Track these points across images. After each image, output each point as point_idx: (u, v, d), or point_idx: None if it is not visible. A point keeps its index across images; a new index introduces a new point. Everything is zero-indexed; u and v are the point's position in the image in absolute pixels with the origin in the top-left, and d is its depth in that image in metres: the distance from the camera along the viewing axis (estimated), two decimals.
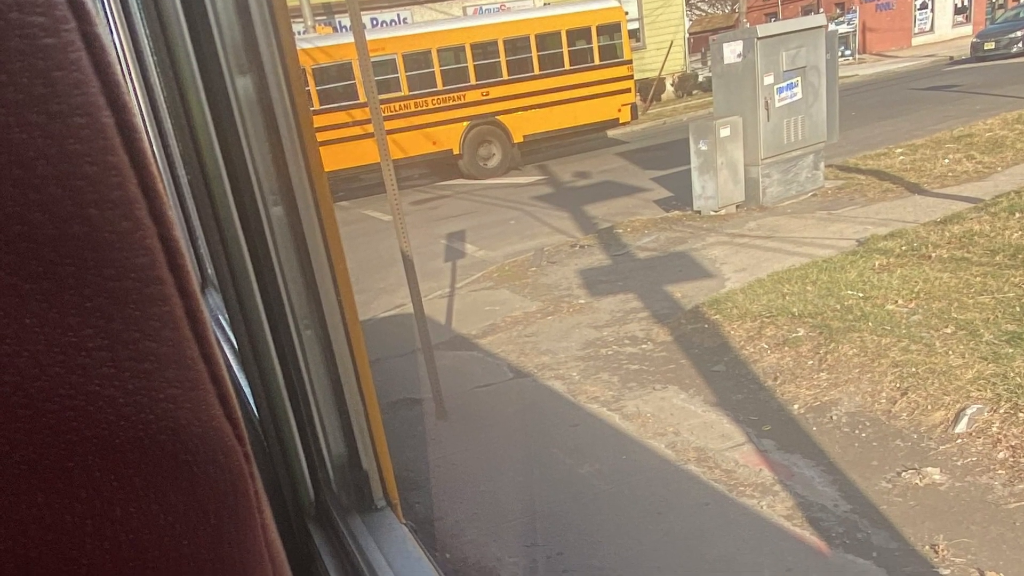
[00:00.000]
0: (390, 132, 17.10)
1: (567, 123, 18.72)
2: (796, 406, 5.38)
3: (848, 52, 34.89)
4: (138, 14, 2.48)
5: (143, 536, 0.45)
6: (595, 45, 18.60)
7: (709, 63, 13.29)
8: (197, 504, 0.47)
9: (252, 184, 1.21)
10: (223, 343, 2.25)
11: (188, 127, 1.23)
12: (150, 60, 2.58)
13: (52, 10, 0.39)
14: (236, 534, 0.50)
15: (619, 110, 19.15)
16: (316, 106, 16.35)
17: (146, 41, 2.48)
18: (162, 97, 2.54)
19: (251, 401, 1.57)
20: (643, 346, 6.91)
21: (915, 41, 38.17)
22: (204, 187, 1.27)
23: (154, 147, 2.92)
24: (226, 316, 1.58)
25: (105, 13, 2.74)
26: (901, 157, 12.04)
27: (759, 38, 10.19)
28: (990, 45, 26.31)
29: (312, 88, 16.35)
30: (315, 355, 1.37)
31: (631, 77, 19.34)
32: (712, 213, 10.85)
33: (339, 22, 23.10)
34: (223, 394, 0.48)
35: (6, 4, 0.38)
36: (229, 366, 1.98)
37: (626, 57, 19.02)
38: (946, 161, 11.33)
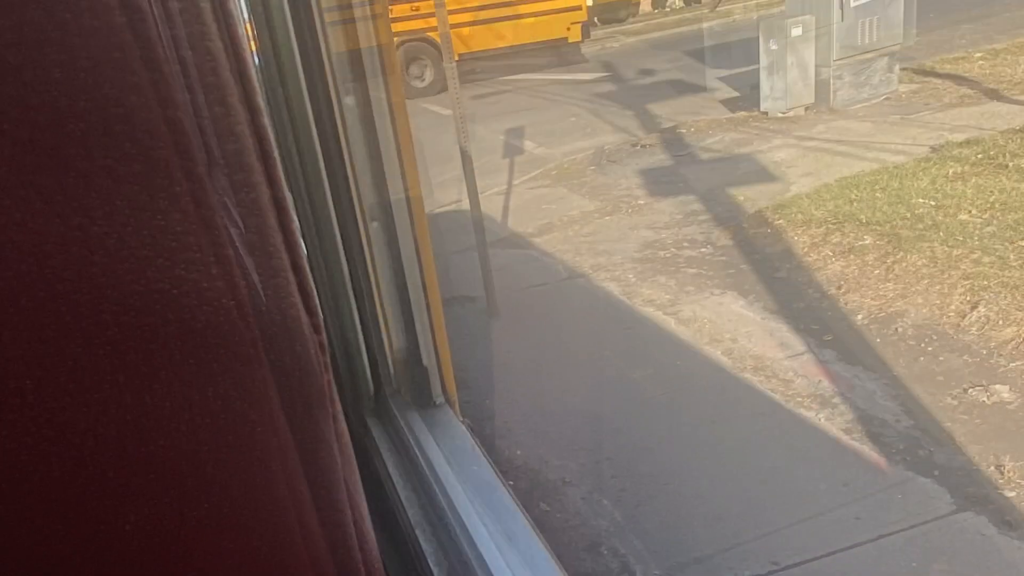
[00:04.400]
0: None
1: (515, 40, 17.62)
2: (860, 316, 5.26)
3: None
4: None
5: (218, 420, 0.46)
6: None
7: None
8: (273, 391, 0.48)
9: (326, 73, 1.18)
10: None
11: (265, 15, 1.19)
12: None
13: None
14: (308, 423, 0.51)
15: (568, 29, 17.83)
16: None
17: None
18: None
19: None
20: (702, 249, 6.79)
21: None
22: (278, 74, 1.23)
23: None
24: (294, 206, 1.54)
25: None
26: (980, 62, 11.47)
27: None
28: None
29: None
30: (381, 249, 1.35)
31: None
32: (780, 115, 10.51)
33: None
34: (303, 283, 0.48)
35: None
36: None
37: None
38: None
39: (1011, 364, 4.48)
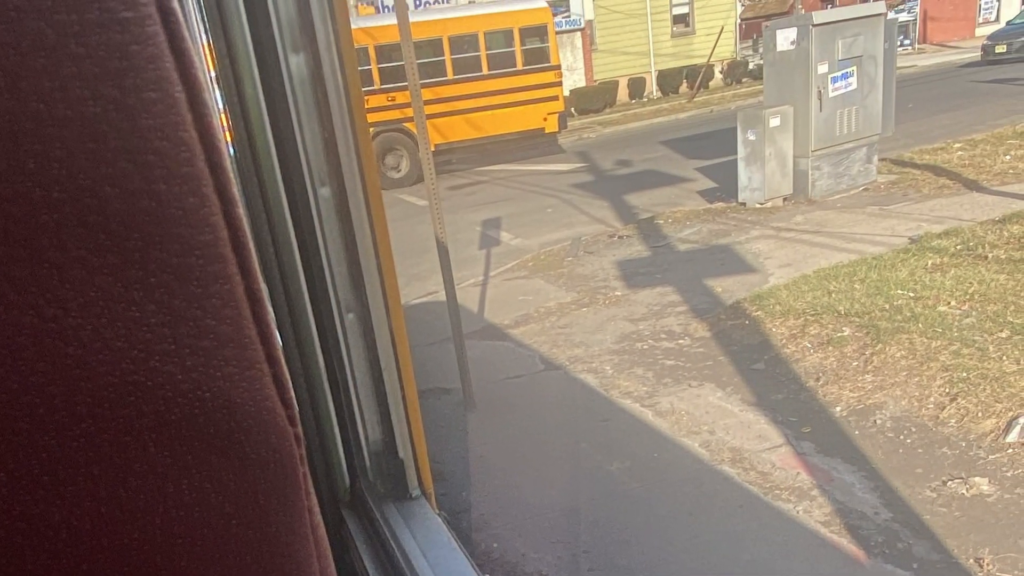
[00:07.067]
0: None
1: (491, 131, 17.83)
2: (838, 408, 5.25)
3: (907, 42, 33.90)
4: None
5: (193, 513, 0.46)
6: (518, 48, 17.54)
7: (761, 50, 13.05)
8: (248, 484, 0.48)
9: (301, 164, 1.19)
10: None
11: (240, 105, 1.21)
12: (199, 32, 2.58)
13: None
14: (284, 516, 0.50)
15: (545, 119, 18.12)
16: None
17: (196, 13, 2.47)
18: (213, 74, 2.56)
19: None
20: (680, 341, 6.80)
21: (979, 31, 35.96)
22: (253, 165, 1.25)
23: None
24: (269, 297, 1.54)
25: None
26: (959, 152, 11.71)
27: (814, 25, 9.92)
28: (1001, 48, 24.75)
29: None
30: (356, 340, 1.34)
31: (559, 83, 18.25)
32: (758, 205, 10.66)
33: (380, 2, 23.03)
34: (278, 375, 0.48)
35: None
36: None
37: (554, 62, 17.96)
38: (1007, 158, 10.95)
39: (991, 456, 4.47)
